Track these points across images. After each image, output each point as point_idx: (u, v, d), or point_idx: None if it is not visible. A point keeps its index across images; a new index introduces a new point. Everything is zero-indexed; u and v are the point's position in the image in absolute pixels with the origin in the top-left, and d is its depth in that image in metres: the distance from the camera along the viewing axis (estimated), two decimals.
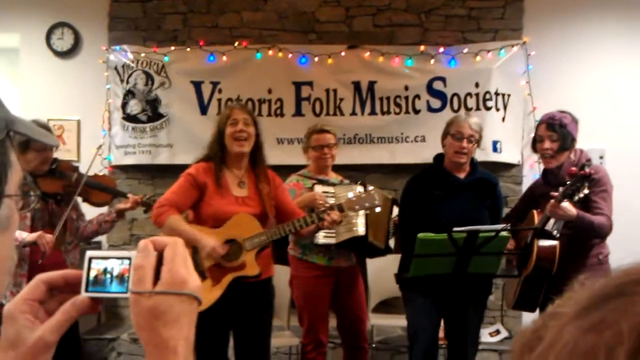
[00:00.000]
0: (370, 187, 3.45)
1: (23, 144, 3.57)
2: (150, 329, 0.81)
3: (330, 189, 3.95)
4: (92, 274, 0.87)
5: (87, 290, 0.86)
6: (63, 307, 0.84)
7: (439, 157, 3.73)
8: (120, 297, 0.86)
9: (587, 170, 2.98)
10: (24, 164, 2.87)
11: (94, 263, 0.87)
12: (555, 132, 3.39)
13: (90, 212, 4.06)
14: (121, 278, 0.86)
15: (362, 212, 3.72)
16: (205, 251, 3.17)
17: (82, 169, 4.01)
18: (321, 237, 3.84)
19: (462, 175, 3.63)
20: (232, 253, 3.24)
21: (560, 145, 3.38)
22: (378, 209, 3.69)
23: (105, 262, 0.87)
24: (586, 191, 2.99)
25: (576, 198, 3.02)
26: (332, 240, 3.86)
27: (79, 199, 3.91)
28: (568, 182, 3.04)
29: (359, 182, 4.04)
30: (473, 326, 3.57)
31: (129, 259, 0.86)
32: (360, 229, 3.79)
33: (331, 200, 3.81)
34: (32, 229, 3.56)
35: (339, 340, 4.29)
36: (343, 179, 4.20)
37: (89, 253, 0.88)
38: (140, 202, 3.89)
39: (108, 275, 0.86)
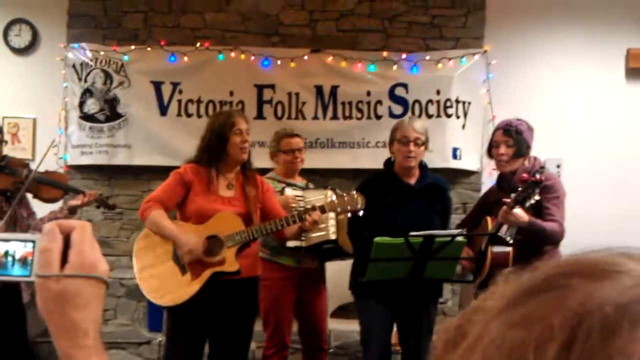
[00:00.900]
0: (353, 192, 3.43)
1: None
2: (60, 313, 0.80)
3: (300, 193, 3.98)
4: None
5: None
6: None
7: (388, 163, 3.73)
8: (23, 281, 0.84)
9: (537, 176, 3.01)
10: None
11: None
12: (512, 137, 3.43)
13: (43, 210, 3.98)
14: (24, 261, 0.83)
15: (332, 215, 3.73)
16: (184, 250, 3.22)
17: None
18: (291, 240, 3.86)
19: (412, 181, 3.63)
20: (213, 249, 3.27)
21: (516, 151, 3.43)
22: (361, 213, 3.67)
23: (6, 244, 0.84)
24: (537, 197, 3.02)
25: (527, 204, 3.05)
26: (302, 243, 3.85)
27: (29, 196, 3.83)
28: (519, 189, 3.07)
29: (328, 187, 4.03)
30: (426, 330, 3.58)
31: (33, 242, 0.84)
32: (332, 233, 3.79)
33: (301, 204, 3.84)
34: None
35: (298, 345, 4.26)
36: (308, 182, 4.23)
37: None
38: (94, 198, 3.84)
39: (9, 258, 0.83)
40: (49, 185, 3.86)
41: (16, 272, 0.84)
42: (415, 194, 3.58)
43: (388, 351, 3.59)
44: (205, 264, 3.25)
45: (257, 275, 3.51)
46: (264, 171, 4.08)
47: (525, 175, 3.09)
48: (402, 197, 3.56)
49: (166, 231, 3.26)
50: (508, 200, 3.12)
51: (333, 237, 3.79)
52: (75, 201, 3.83)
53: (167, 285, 3.23)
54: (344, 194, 3.41)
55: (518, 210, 3.12)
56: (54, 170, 4.55)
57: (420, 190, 3.60)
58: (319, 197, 3.86)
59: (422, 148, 3.61)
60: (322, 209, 3.36)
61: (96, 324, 0.82)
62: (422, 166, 3.69)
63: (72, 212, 3.85)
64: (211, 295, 3.26)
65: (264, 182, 3.59)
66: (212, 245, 3.26)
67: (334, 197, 3.58)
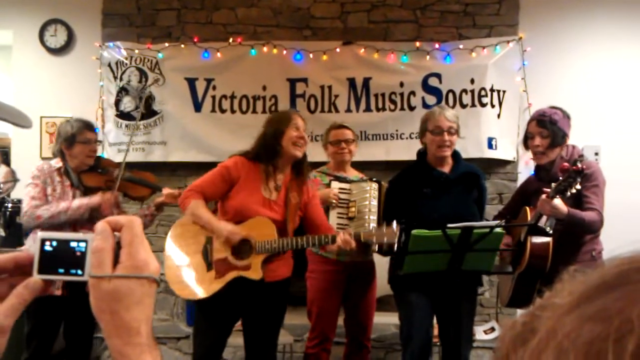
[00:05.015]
0: (394, 225, 3.29)
1: (70, 139, 3.59)
2: (112, 312, 0.81)
3: (347, 186, 4.01)
4: (45, 255, 0.85)
5: (39, 272, 0.84)
6: (16, 290, 0.82)
7: (420, 154, 3.71)
8: (76, 280, 0.84)
9: (579, 165, 2.96)
10: (71, 159, 2.90)
11: (47, 244, 0.85)
12: (546, 128, 3.39)
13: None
14: (77, 260, 0.84)
15: (374, 210, 3.85)
16: (223, 236, 3.20)
17: None
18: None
19: (446, 170, 3.61)
20: (242, 251, 3.26)
21: (551, 141, 3.39)
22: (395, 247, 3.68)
23: (59, 243, 0.85)
24: (578, 187, 2.97)
25: (568, 194, 3.00)
26: None
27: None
28: (560, 178, 3.02)
29: (373, 179, 4.06)
30: (466, 321, 3.56)
31: (85, 241, 0.84)
32: (372, 226, 3.80)
33: (343, 196, 3.91)
34: (74, 226, 3.57)
35: (340, 339, 4.28)
36: (363, 176, 4.22)
37: (41, 234, 0.86)
38: (177, 195, 3.91)
39: (62, 257, 0.84)
40: (138, 184, 3.95)
41: (71, 272, 0.84)
42: (452, 183, 3.56)
43: (429, 343, 3.57)
44: (231, 265, 3.24)
45: (285, 277, 3.48)
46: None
47: (566, 164, 3.03)
48: (439, 187, 3.53)
49: (204, 220, 3.23)
50: (548, 190, 3.08)
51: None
52: (162, 199, 3.92)
53: (190, 278, 3.24)
54: (384, 227, 3.28)
55: (558, 201, 3.07)
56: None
57: (456, 179, 3.58)
58: (364, 188, 3.92)
59: (455, 136, 3.59)
60: (357, 237, 3.30)
61: (148, 322, 0.83)
62: (456, 154, 3.66)
63: (159, 209, 3.96)
64: (237, 292, 3.25)
65: (310, 190, 3.53)
66: (243, 248, 3.25)
67: (372, 227, 3.58)
